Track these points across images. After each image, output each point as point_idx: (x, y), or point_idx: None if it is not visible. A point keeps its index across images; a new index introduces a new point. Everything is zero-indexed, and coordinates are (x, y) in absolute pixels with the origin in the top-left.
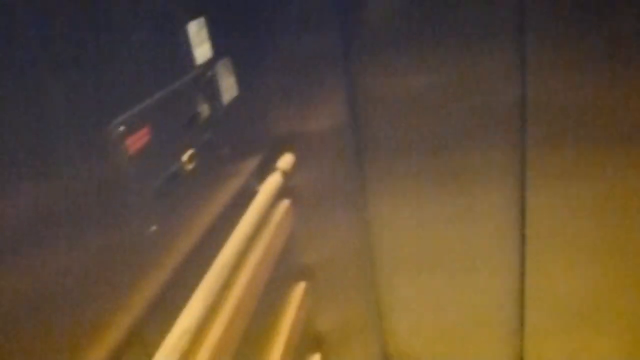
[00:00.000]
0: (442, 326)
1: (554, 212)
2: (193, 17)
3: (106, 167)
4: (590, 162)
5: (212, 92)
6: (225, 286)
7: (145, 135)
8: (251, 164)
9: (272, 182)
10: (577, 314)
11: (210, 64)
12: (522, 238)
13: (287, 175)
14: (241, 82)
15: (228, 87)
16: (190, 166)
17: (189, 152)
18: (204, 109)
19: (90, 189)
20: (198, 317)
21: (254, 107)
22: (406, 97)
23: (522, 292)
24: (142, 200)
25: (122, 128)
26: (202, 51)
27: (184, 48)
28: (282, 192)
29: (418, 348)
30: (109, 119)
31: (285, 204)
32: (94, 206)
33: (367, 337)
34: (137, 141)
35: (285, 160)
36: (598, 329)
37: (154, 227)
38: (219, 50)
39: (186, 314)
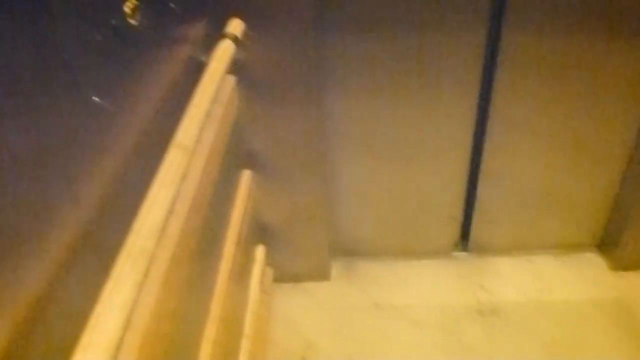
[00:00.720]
0: (390, 212)
1: (518, 99)
2: None
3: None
4: (560, 53)
5: None
6: (184, 174)
7: None
8: (200, 27)
9: (224, 50)
10: (528, 196)
11: None
12: (482, 121)
13: (238, 43)
14: None
15: None
16: (133, 20)
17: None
18: None
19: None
20: (164, 212)
21: None
22: None
23: (476, 171)
24: (77, 61)
25: None
26: None
27: None
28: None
29: (364, 235)
30: None
31: (230, 80)
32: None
33: (313, 227)
34: None
35: (235, 26)
36: (545, 212)
37: (95, 98)
38: None
39: (149, 208)
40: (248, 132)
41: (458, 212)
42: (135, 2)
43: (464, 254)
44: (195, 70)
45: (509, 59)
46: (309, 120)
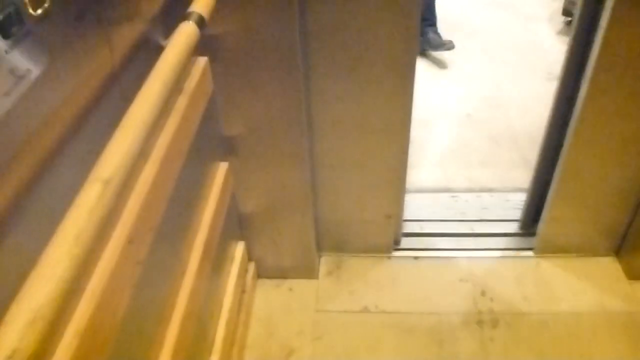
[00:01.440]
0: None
1: None
2: None
3: None
4: None
5: None
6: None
7: None
8: (151, 6)
9: (185, 34)
10: None
11: None
12: None
13: (204, 23)
14: None
15: None
16: (38, 9)
17: None
18: None
19: None
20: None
21: None
22: None
23: None
24: None
25: None
26: None
27: None
28: (197, 46)
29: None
30: None
31: (201, 62)
32: None
33: (298, 218)
34: None
35: (202, 3)
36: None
37: None
38: None
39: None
40: (223, 117)
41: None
42: None
43: (464, 253)
44: (151, 57)
45: None
46: (292, 102)
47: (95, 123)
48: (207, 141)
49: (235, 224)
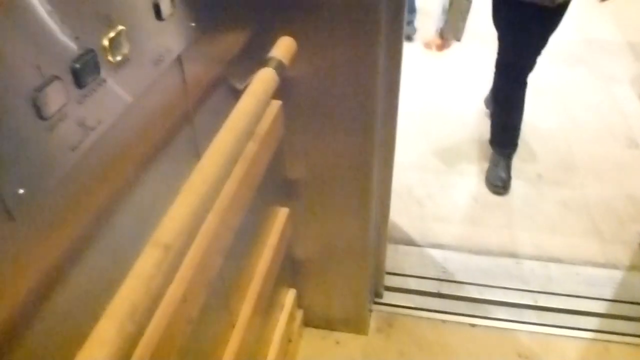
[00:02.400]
0: None
1: None
2: None
3: None
4: None
5: None
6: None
7: None
8: (231, 49)
9: (263, 81)
10: None
11: None
12: None
13: (283, 69)
14: None
15: None
16: (117, 56)
17: (116, 29)
18: None
19: None
20: (180, 231)
21: None
22: None
23: None
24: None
25: None
26: None
27: None
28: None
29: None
30: None
31: (275, 105)
32: None
33: (353, 269)
34: None
35: (283, 47)
36: None
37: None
38: None
39: (165, 226)
40: (287, 161)
41: None
42: (122, 28)
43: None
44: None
45: None
46: (361, 151)
47: (164, 166)
48: (270, 185)
49: (288, 270)
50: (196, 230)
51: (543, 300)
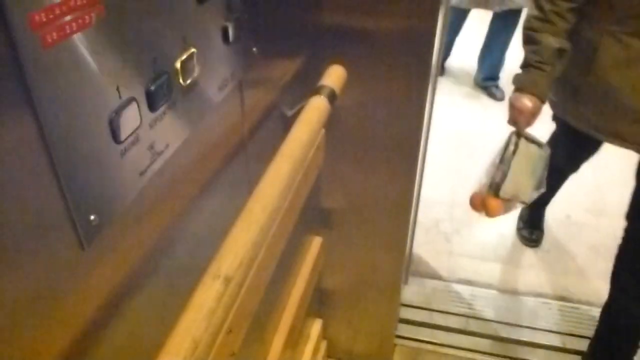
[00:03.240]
0: None
1: None
2: None
3: None
4: None
5: None
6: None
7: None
8: (283, 74)
9: (316, 109)
10: None
11: None
12: None
13: (335, 98)
14: None
15: None
16: (187, 79)
17: (189, 51)
18: None
19: None
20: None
21: None
22: None
23: None
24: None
25: None
26: None
27: None
28: None
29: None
30: None
31: (318, 134)
32: None
33: (381, 304)
34: (59, 19)
35: (335, 76)
36: None
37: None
38: None
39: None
40: (324, 189)
41: None
42: (194, 51)
43: None
44: (282, 125)
45: None
46: (401, 184)
47: (221, 193)
48: (306, 214)
49: (316, 300)
50: (255, 261)
51: (571, 343)
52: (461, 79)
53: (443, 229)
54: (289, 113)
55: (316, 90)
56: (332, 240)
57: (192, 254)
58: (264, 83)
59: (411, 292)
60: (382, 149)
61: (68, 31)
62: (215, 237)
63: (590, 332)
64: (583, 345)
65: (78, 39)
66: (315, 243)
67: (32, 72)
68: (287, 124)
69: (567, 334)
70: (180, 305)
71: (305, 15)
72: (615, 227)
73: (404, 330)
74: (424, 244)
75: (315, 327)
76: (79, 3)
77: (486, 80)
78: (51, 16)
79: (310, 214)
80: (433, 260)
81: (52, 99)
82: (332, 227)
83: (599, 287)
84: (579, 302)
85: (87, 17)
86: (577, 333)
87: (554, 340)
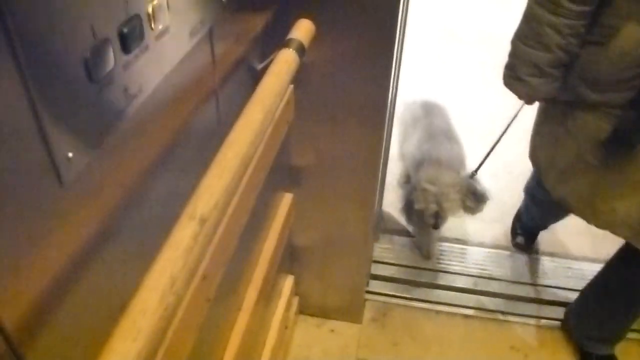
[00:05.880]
0: None
1: None
2: None
3: None
4: None
5: None
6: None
7: None
8: (253, 27)
9: (285, 62)
10: None
11: None
12: None
13: (304, 51)
14: None
15: None
16: (159, 24)
17: None
18: None
19: None
20: (214, 205)
21: None
22: None
23: None
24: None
25: None
26: None
27: None
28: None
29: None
30: None
31: (287, 90)
32: None
33: (352, 259)
34: None
35: (303, 30)
36: None
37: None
38: None
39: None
40: (294, 147)
41: None
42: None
43: (519, 319)
44: (250, 78)
45: None
46: (370, 141)
47: (192, 140)
48: (276, 170)
49: (287, 256)
50: (229, 206)
51: (535, 293)
52: None
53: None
54: (259, 67)
55: (285, 44)
56: (303, 197)
57: (166, 197)
58: (233, 34)
59: (381, 248)
60: (351, 106)
61: None
62: (187, 182)
63: (555, 282)
64: (549, 295)
65: None
66: (286, 199)
67: (13, 9)
68: (256, 77)
69: (532, 284)
70: (155, 246)
71: None
72: None
73: (375, 285)
74: (394, 201)
75: (288, 283)
76: None
77: None
78: None
79: (281, 171)
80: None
81: (32, 38)
82: (303, 184)
83: (561, 240)
84: (543, 253)
85: None
86: (542, 283)
87: (520, 291)
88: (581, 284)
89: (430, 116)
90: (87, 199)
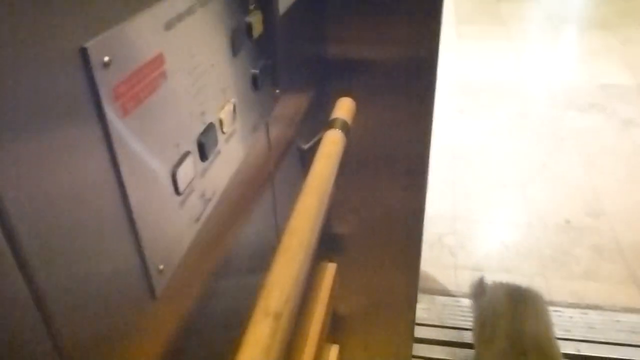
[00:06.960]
0: None
1: None
2: None
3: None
4: None
5: None
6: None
7: (150, 72)
8: (299, 109)
9: (333, 142)
10: None
11: None
12: None
13: (348, 129)
14: None
15: None
16: (229, 127)
17: (230, 102)
18: (256, 22)
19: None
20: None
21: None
22: None
23: None
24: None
25: (104, 58)
26: None
27: None
28: None
29: None
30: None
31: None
32: None
33: (397, 325)
34: (135, 87)
35: (345, 108)
36: None
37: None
38: None
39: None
40: (335, 216)
41: None
42: (234, 101)
43: None
44: (299, 158)
45: None
46: (412, 204)
47: (252, 228)
48: (320, 242)
49: (331, 325)
50: (300, 296)
51: (585, 349)
52: None
53: (447, 243)
54: (305, 147)
55: (330, 124)
56: (345, 264)
57: (237, 287)
58: (283, 120)
59: (422, 309)
60: (391, 170)
61: (142, 97)
62: (253, 266)
63: (604, 337)
64: (597, 350)
65: (149, 103)
66: (330, 269)
67: (116, 140)
68: (302, 157)
69: (580, 341)
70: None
71: (314, 50)
72: (615, 229)
73: (420, 349)
74: (430, 259)
75: (333, 354)
76: (150, 71)
77: None
78: (130, 85)
79: (324, 242)
80: (440, 275)
81: (131, 161)
82: (345, 252)
83: (606, 290)
84: (588, 307)
85: (154, 82)
86: (590, 339)
87: (568, 348)
88: (632, 338)
89: (518, 318)
90: (173, 311)
